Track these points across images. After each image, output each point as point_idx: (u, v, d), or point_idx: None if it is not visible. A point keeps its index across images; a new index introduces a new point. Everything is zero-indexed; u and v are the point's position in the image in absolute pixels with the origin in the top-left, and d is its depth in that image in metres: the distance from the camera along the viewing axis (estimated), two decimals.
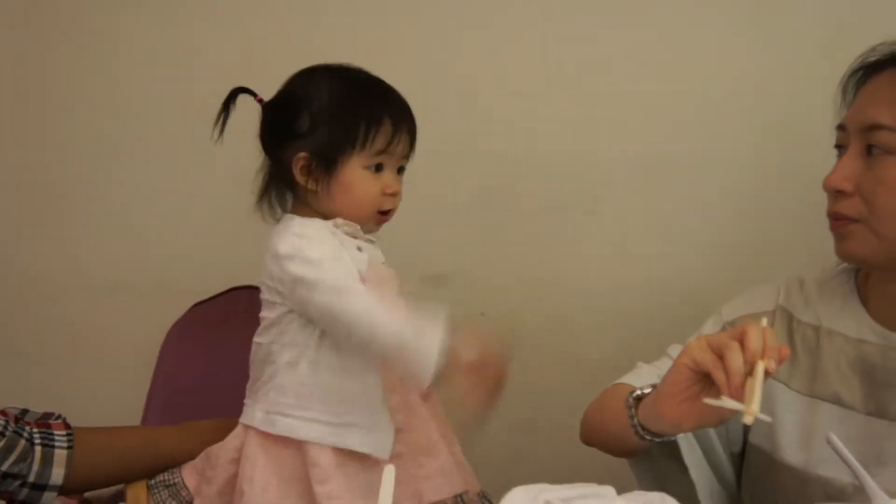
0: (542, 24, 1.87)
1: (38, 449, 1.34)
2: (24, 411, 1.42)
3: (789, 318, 1.35)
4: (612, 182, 1.87)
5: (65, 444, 1.36)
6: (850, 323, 1.30)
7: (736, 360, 1.04)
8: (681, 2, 1.82)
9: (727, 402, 1.01)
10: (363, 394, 1.29)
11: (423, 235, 1.91)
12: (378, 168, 1.35)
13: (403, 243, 1.84)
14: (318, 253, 1.27)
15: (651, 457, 1.32)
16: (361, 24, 1.91)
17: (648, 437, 1.21)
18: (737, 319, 1.38)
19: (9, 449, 1.30)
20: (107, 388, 2.00)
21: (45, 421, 1.40)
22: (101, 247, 2.02)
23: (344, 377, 1.29)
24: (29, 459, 1.33)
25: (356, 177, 1.34)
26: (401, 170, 1.39)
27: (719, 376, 1.05)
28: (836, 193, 1.23)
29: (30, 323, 2.05)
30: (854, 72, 1.29)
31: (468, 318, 1.86)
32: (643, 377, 1.34)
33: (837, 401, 1.26)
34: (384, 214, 1.38)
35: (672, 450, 1.27)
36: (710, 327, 1.40)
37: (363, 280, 1.29)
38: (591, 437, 1.40)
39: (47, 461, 1.34)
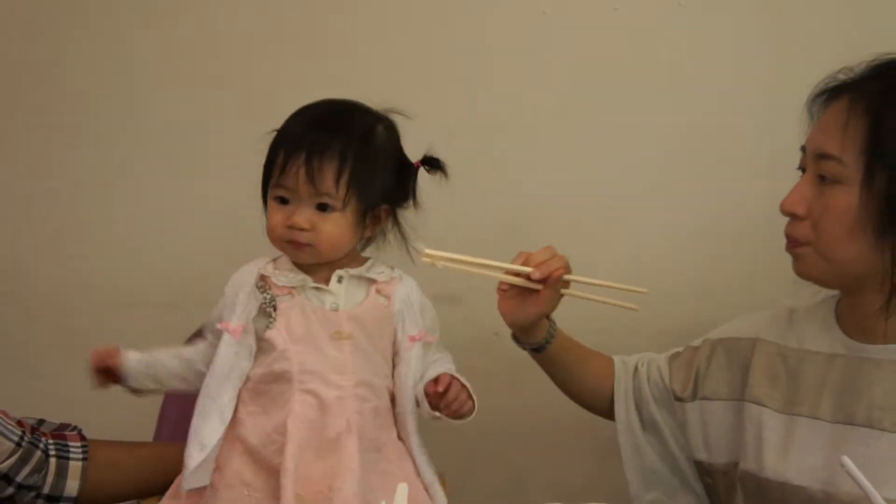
0: (558, 60, 1.89)
1: (52, 461, 1.35)
2: (41, 422, 1.43)
3: (769, 346, 1.42)
4: (626, 209, 1.87)
5: (80, 456, 1.37)
6: (824, 340, 1.37)
7: (518, 257, 1.43)
8: (694, 33, 1.84)
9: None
10: None
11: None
12: (283, 201, 1.36)
13: (416, 265, 1.86)
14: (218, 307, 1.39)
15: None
16: (385, 70, 1.93)
17: (516, 342, 1.52)
18: (719, 339, 1.50)
19: (24, 460, 1.31)
20: (119, 402, 2.00)
21: (60, 432, 1.40)
22: (115, 262, 2.03)
23: None
24: (44, 471, 1.34)
25: (270, 206, 1.37)
26: (323, 207, 1.35)
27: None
28: (790, 216, 1.31)
29: (45, 336, 2.05)
30: (818, 94, 1.34)
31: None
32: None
33: (812, 414, 1.33)
34: (297, 246, 1.36)
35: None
36: (696, 343, 1.53)
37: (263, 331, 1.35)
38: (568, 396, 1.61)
39: (62, 473, 1.35)
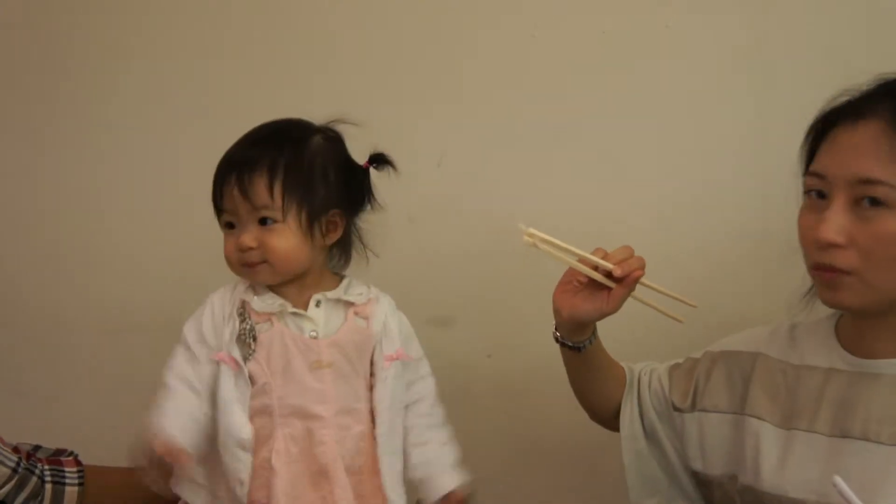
0: (547, 82, 1.90)
1: (49, 486, 1.35)
2: (37, 447, 1.43)
3: (770, 362, 1.42)
4: (615, 229, 1.87)
5: (76, 482, 1.37)
6: (823, 355, 1.36)
7: (596, 252, 1.39)
8: (681, 54, 1.85)
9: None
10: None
11: (431, 278, 1.92)
12: (231, 226, 1.37)
13: (411, 286, 1.85)
14: (188, 330, 1.38)
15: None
16: (374, 90, 1.95)
17: (559, 339, 1.47)
18: (721, 352, 1.50)
19: (20, 486, 1.32)
20: (118, 427, 1.99)
21: (56, 458, 1.41)
22: (113, 285, 2.03)
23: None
24: (40, 497, 1.34)
25: (224, 236, 1.39)
26: (264, 221, 1.35)
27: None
28: (827, 246, 1.25)
29: (42, 360, 2.05)
30: (823, 119, 1.31)
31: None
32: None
33: (809, 428, 1.32)
34: (251, 267, 1.37)
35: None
36: (696, 354, 1.54)
37: (242, 358, 1.34)
38: (582, 403, 1.58)
39: (58, 498, 1.35)
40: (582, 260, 1.39)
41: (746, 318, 1.69)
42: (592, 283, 1.40)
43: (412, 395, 1.44)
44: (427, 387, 1.46)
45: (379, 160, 1.44)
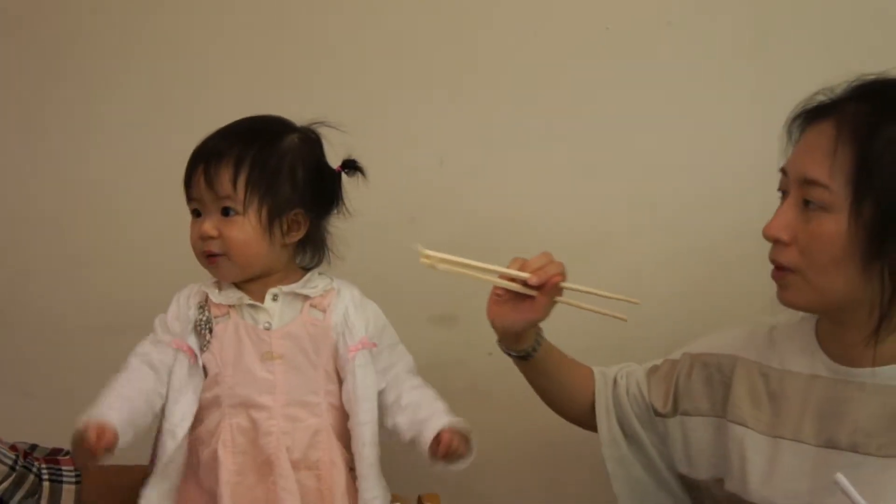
0: (550, 79, 1.90)
1: (46, 484, 1.35)
2: (34, 446, 1.44)
3: (749, 366, 1.41)
4: (614, 227, 1.88)
5: (73, 480, 1.38)
6: (805, 361, 1.34)
7: (513, 262, 1.38)
8: (683, 51, 1.85)
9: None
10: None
11: (433, 276, 1.91)
12: (197, 214, 1.40)
13: (412, 284, 1.85)
14: (158, 321, 1.44)
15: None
16: (377, 89, 1.94)
17: (503, 349, 1.48)
18: (698, 354, 1.48)
19: (18, 484, 1.32)
20: None
21: (54, 456, 1.41)
22: (111, 288, 2.03)
23: None
24: (38, 495, 1.35)
25: (191, 222, 1.42)
26: (226, 211, 1.38)
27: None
28: (774, 242, 1.27)
29: (40, 362, 2.04)
30: (795, 117, 1.32)
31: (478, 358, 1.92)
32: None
33: (795, 437, 1.31)
34: (211, 258, 1.39)
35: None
36: (674, 356, 1.52)
37: (199, 352, 1.38)
38: (549, 407, 1.59)
39: (55, 496, 1.36)
40: (502, 275, 1.38)
41: (746, 318, 1.69)
42: (516, 293, 1.39)
43: (391, 376, 1.45)
44: (405, 364, 1.48)
45: (351, 166, 1.47)
